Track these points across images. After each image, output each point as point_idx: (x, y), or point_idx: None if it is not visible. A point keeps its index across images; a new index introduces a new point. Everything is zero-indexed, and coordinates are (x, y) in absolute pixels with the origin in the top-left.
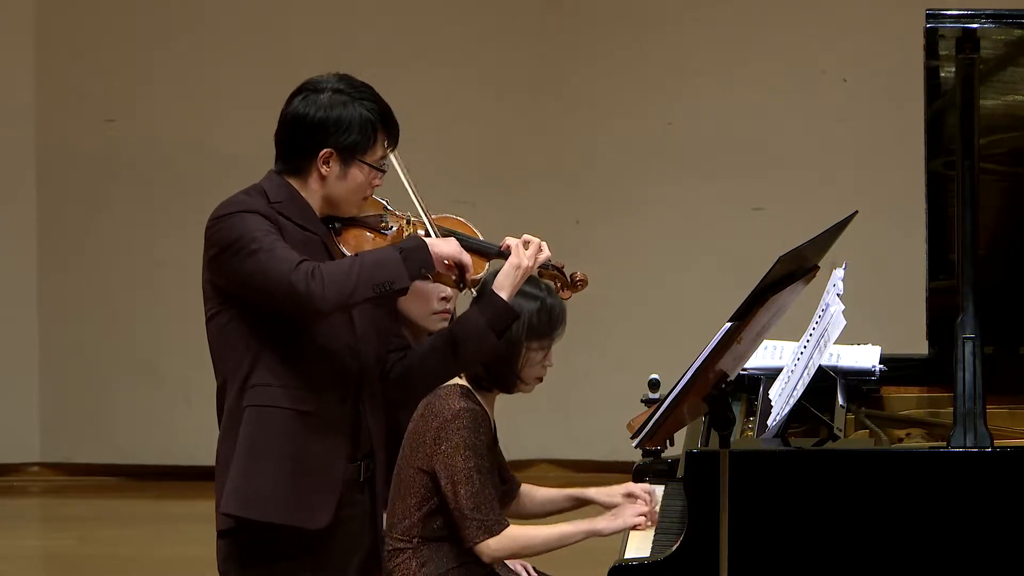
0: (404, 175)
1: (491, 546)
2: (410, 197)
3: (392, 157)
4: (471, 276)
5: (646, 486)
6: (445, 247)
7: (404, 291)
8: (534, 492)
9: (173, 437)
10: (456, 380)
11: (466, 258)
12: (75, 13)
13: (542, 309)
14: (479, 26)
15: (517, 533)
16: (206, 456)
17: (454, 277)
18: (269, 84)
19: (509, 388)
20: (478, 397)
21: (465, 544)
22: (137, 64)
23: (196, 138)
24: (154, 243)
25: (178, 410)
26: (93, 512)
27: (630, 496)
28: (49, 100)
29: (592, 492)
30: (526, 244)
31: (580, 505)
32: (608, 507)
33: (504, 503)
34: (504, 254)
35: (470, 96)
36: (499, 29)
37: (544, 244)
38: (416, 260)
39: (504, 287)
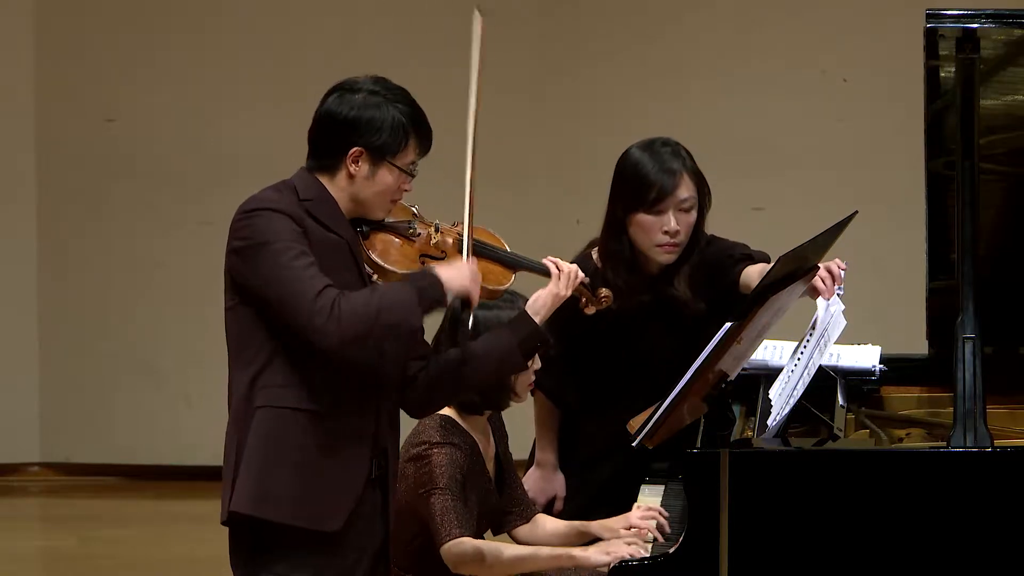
0: (468, 184)
1: (452, 550)
2: (463, 204)
3: (467, 171)
4: (479, 299)
5: (649, 512)
6: (456, 282)
7: (415, 331)
8: (547, 523)
9: (173, 437)
10: (439, 411)
11: (475, 293)
12: (75, 13)
13: None
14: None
15: (485, 544)
16: (206, 456)
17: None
18: (269, 84)
19: (503, 405)
20: (464, 425)
21: (436, 547)
22: (137, 64)
23: (196, 138)
24: (154, 243)
25: (178, 410)
26: (93, 512)
27: (630, 528)
28: (49, 100)
29: (595, 526)
30: (558, 268)
31: (586, 539)
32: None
33: (515, 524)
34: (535, 268)
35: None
36: (499, 29)
37: (577, 271)
38: (429, 298)
39: (539, 312)
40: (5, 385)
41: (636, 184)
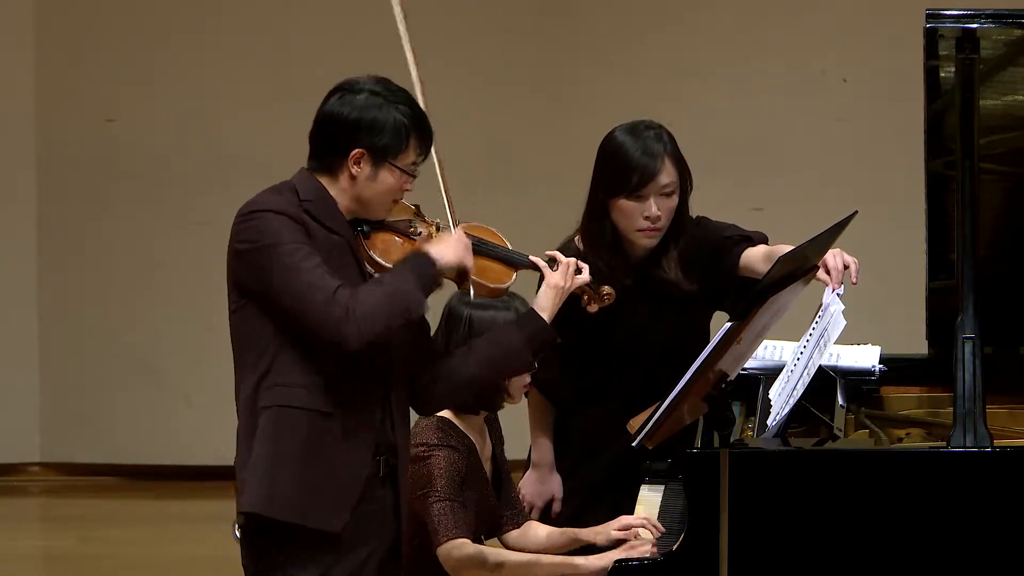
0: (442, 182)
1: (449, 552)
2: (443, 202)
3: (435, 161)
4: (472, 279)
5: (641, 519)
6: (448, 255)
7: (421, 315)
8: (538, 529)
9: (173, 437)
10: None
11: (468, 261)
12: (75, 13)
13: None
14: (479, 26)
15: (483, 548)
16: (206, 456)
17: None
18: (269, 84)
19: (496, 406)
20: (461, 425)
21: (433, 549)
22: (137, 64)
23: (196, 138)
24: (154, 243)
25: (178, 410)
26: (93, 512)
27: (624, 529)
28: (49, 100)
29: (586, 533)
30: (553, 261)
31: (577, 545)
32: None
33: (506, 529)
34: (531, 265)
35: (470, 96)
36: (499, 29)
37: (573, 264)
38: (427, 279)
39: (545, 308)
40: (5, 385)
41: (618, 169)
